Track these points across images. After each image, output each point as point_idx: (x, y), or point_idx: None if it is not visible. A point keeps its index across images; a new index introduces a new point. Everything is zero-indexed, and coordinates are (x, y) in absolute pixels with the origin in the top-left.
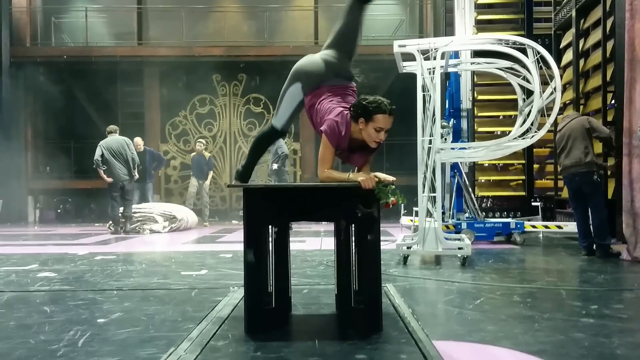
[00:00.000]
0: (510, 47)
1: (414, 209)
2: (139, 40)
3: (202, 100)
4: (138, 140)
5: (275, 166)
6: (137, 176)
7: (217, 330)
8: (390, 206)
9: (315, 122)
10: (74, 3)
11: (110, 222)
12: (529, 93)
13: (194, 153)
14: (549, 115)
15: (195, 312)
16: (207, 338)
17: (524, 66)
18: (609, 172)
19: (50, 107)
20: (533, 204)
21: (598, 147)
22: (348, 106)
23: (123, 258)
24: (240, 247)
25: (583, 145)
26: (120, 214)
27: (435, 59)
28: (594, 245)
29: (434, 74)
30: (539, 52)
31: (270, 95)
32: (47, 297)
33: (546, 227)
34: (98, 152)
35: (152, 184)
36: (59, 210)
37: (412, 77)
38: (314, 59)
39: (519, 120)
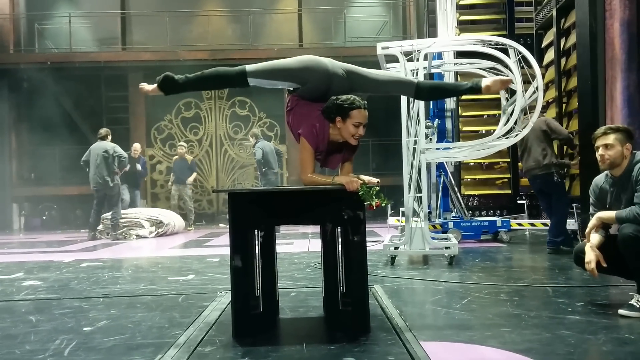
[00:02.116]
0: (492, 47)
1: (401, 209)
2: (123, 45)
3: (188, 104)
4: (137, 145)
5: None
6: (112, 183)
7: (204, 336)
8: (374, 208)
9: (293, 125)
10: (57, 9)
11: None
12: (512, 92)
13: (175, 157)
14: (531, 114)
15: (182, 318)
16: (195, 344)
17: (506, 66)
18: (569, 171)
19: (35, 114)
20: (519, 201)
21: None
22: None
23: (109, 264)
24: (227, 250)
25: (541, 147)
26: (108, 219)
27: (418, 60)
28: (547, 240)
29: (417, 75)
30: (520, 52)
31: (255, 98)
32: (32, 306)
33: (532, 224)
34: (84, 155)
35: (140, 189)
36: (44, 217)
37: None
38: (334, 87)
39: (503, 120)
